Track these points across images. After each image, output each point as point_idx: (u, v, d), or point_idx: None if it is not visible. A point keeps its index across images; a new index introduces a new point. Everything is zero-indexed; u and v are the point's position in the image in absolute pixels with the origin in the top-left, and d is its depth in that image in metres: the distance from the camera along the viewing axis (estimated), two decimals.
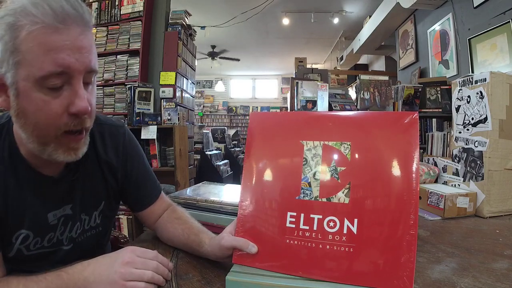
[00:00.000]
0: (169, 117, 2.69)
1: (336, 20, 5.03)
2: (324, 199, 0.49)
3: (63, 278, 0.49)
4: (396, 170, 0.48)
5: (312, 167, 0.51)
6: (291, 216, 0.50)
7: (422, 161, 1.46)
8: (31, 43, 0.45)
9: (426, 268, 0.60)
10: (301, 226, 0.49)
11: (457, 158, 1.17)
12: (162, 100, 2.78)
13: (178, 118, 2.71)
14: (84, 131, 0.55)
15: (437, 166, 1.30)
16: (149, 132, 2.56)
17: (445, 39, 2.99)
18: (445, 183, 1.24)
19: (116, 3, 2.92)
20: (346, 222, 0.48)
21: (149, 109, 2.76)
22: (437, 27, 3.13)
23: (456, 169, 1.17)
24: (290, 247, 0.49)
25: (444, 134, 1.52)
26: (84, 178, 0.65)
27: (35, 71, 0.45)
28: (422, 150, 2.37)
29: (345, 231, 0.48)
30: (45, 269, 0.52)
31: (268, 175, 0.55)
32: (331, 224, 0.48)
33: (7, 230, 0.56)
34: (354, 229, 0.47)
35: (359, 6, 4.67)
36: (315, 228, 0.49)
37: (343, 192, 0.49)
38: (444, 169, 1.26)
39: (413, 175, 0.47)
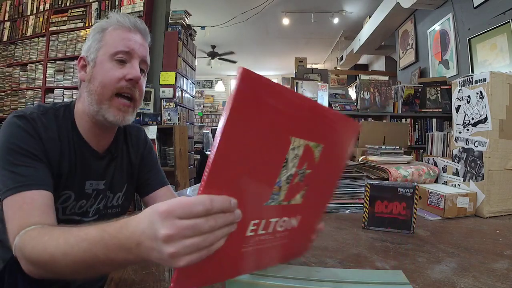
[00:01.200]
0: (169, 117, 2.69)
1: (336, 20, 5.02)
2: (286, 203, 0.46)
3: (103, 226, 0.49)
4: (340, 173, 0.57)
5: (289, 169, 0.43)
6: (253, 224, 0.43)
7: (422, 161, 1.46)
8: (113, 34, 0.70)
9: (426, 268, 0.60)
10: (259, 232, 0.44)
11: (457, 158, 1.17)
12: (162, 100, 2.78)
13: (178, 118, 2.71)
14: (131, 101, 0.71)
15: (437, 166, 1.30)
16: (149, 132, 2.56)
17: (445, 39, 2.99)
18: (445, 183, 1.24)
19: (116, 3, 2.92)
20: (292, 219, 0.49)
21: (149, 109, 2.77)
22: (437, 27, 3.13)
23: (456, 169, 1.17)
24: (243, 254, 0.44)
25: (444, 134, 1.52)
26: (118, 160, 0.79)
27: (111, 49, 0.68)
28: (422, 150, 2.36)
29: (289, 227, 0.49)
30: None
31: (244, 176, 0.39)
32: (282, 223, 0.47)
33: (59, 187, 0.67)
34: (295, 223, 0.50)
35: (359, 6, 4.67)
36: (270, 230, 0.46)
37: (300, 194, 0.47)
38: (444, 169, 1.26)
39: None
